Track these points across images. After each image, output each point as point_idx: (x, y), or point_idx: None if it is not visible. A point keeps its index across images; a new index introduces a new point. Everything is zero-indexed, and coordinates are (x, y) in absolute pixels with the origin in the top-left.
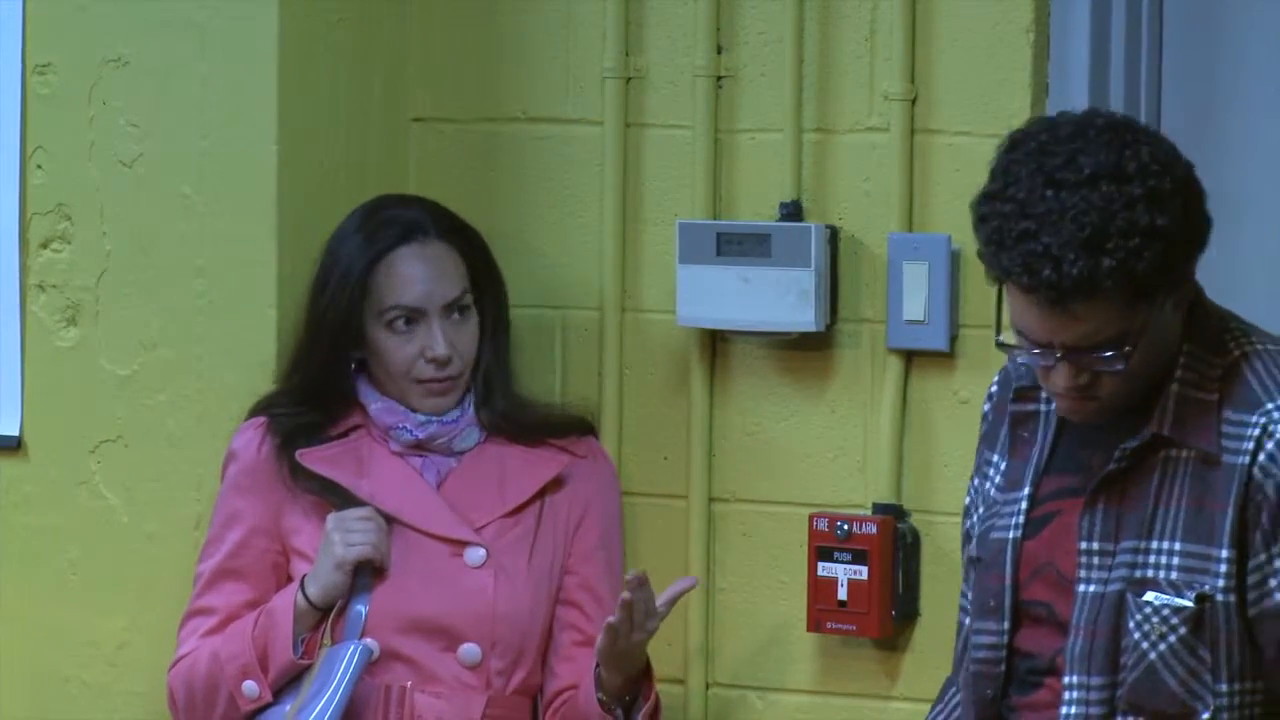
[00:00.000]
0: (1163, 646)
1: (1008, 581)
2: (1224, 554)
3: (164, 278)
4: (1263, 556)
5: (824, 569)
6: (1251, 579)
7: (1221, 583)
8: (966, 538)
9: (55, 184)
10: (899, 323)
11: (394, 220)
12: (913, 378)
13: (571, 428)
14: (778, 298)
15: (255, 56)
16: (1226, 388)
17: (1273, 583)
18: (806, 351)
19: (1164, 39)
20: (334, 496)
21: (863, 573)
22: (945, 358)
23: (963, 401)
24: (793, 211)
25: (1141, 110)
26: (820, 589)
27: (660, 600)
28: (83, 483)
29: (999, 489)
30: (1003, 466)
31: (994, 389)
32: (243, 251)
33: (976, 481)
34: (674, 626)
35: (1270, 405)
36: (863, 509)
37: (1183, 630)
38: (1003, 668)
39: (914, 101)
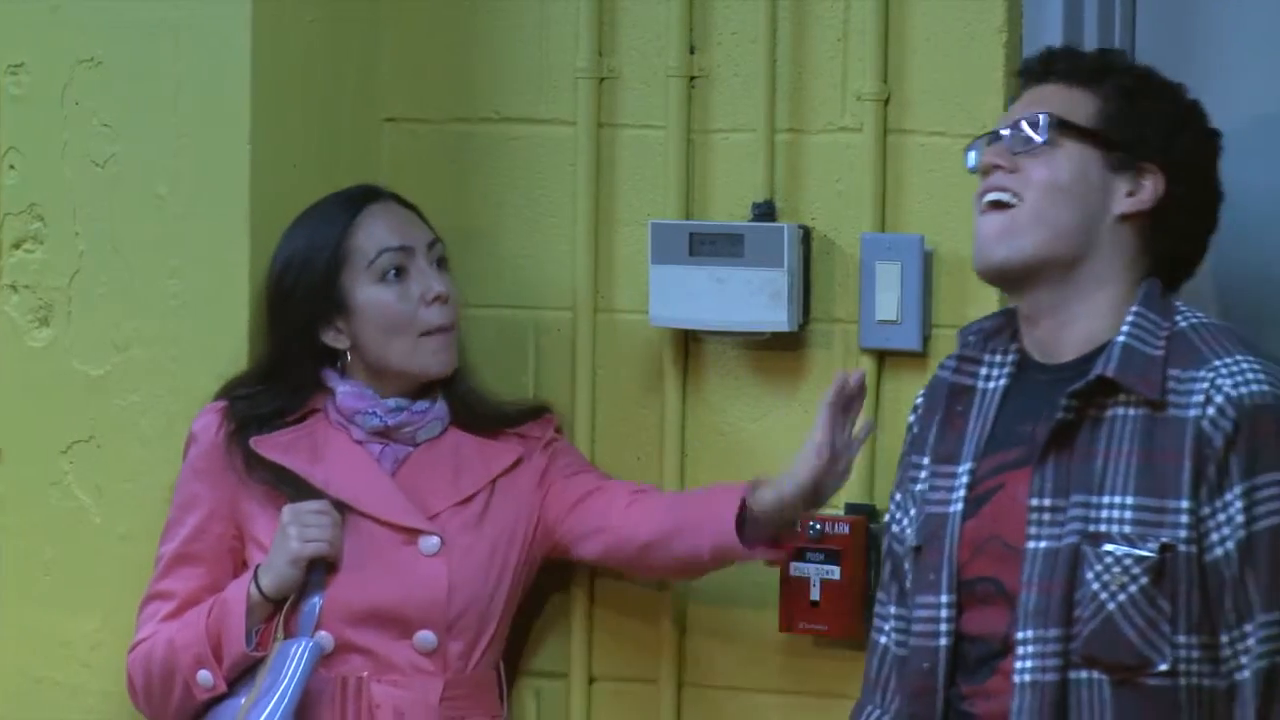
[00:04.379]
0: (1122, 597)
1: (947, 554)
2: (1184, 504)
3: (137, 278)
4: (1206, 510)
5: (796, 569)
6: (1198, 531)
7: (1184, 534)
8: (889, 553)
9: (28, 184)
10: (872, 323)
11: (347, 196)
12: (885, 378)
13: (527, 416)
14: (750, 298)
15: (228, 57)
16: (1173, 347)
17: (1214, 537)
18: (779, 351)
19: (1136, 38)
20: (287, 486)
21: (835, 573)
22: (918, 358)
23: None
24: (765, 211)
25: None
26: (793, 589)
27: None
28: (55, 483)
29: (932, 463)
30: (933, 443)
31: (919, 401)
32: (215, 252)
33: (899, 496)
34: (646, 627)
35: (1218, 362)
36: (835, 509)
37: (1144, 580)
38: (942, 642)
39: (887, 101)
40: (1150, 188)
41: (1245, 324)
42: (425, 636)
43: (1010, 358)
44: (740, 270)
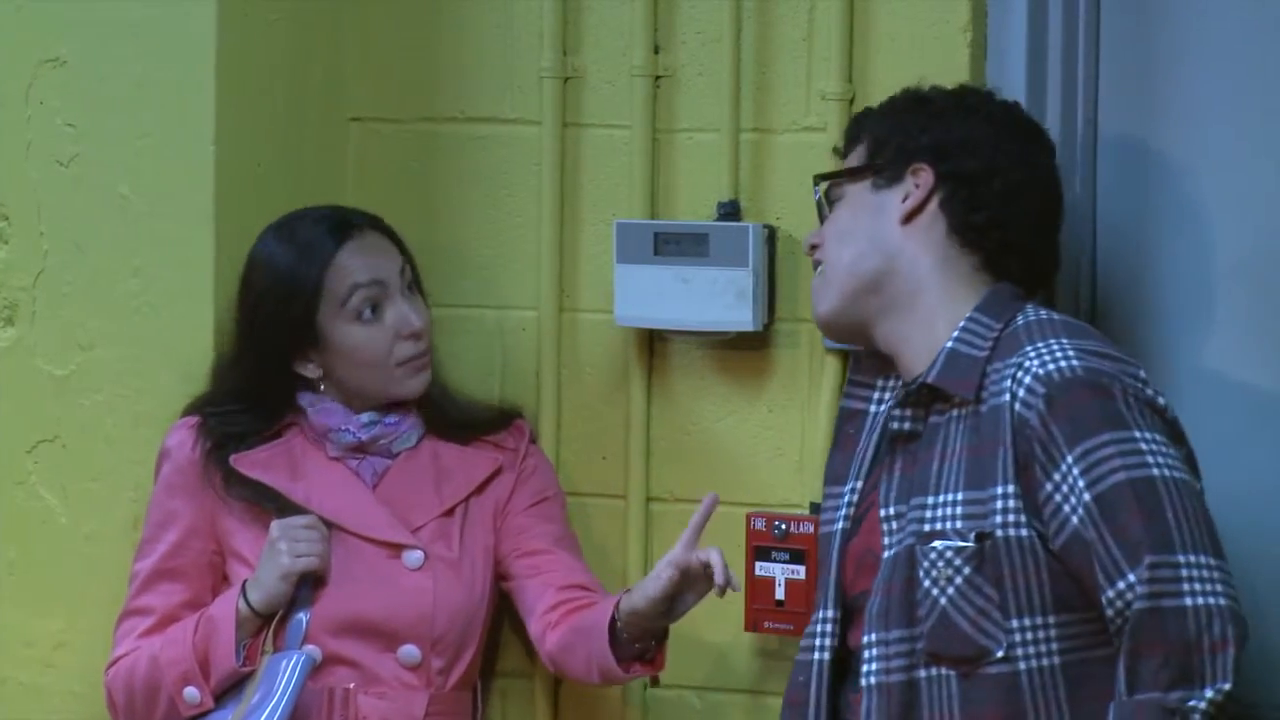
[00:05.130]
0: (950, 590)
1: (830, 571)
2: (999, 490)
3: (101, 278)
4: (1049, 487)
5: (761, 568)
6: (1047, 511)
7: (999, 519)
8: None
9: None
10: None
11: (326, 227)
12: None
13: (500, 422)
14: (715, 297)
15: (192, 56)
16: (999, 346)
17: (1065, 508)
18: (744, 351)
19: (1101, 38)
20: (269, 503)
21: (800, 572)
22: None
23: None
24: (730, 211)
25: (1079, 107)
26: (758, 588)
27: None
28: (20, 483)
29: (826, 484)
30: (827, 466)
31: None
32: (180, 251)
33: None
34: None
35: (1029, 348)
36: (800, 508)
37: (967, 570)
38: (815, 656)
39: (851, 101)
40: (922, 183)
41: (1230, 324)
42: (409, 651)
43: (900, 382)
44: (705, 270)
